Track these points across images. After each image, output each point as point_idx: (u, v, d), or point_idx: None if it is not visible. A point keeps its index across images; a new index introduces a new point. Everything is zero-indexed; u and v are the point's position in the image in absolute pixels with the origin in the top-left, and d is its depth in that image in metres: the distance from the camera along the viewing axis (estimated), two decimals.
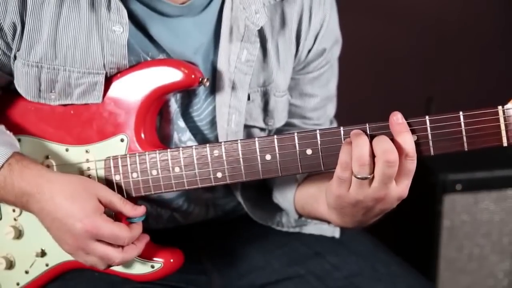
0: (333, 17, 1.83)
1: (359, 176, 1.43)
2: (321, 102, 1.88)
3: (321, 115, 1.90)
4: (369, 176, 1.43)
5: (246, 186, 1.87)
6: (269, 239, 1.90)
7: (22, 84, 1.64)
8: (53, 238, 1.61)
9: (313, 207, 1.70)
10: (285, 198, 1.83)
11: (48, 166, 1.67)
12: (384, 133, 1.44)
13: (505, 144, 1.40)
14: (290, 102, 1.85)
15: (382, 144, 1.41)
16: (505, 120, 1.39)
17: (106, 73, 1.61)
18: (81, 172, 1.65)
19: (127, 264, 1.65)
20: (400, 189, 1.46)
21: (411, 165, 1.44)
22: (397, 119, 1.43)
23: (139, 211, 1.59)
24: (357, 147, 1.42)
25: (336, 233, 1.90)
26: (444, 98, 2.24)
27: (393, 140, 1.42)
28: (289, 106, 1.86)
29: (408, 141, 1.42)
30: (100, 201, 1.56)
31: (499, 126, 1.39)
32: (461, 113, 1.41)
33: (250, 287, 1.81)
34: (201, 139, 1.75)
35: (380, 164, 1.41)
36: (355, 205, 1.49)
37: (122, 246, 1.57)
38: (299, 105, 1.87)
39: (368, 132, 1.45)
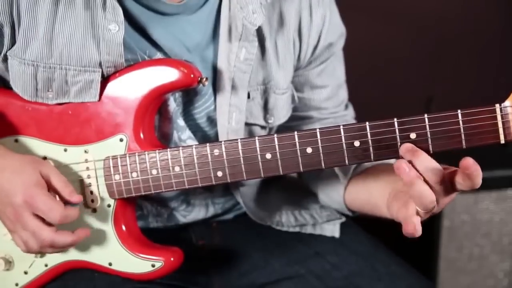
0: (334, 11, 1.85)
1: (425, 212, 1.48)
2: (333, 91, 1.90)
3: (335, 103, 1.92)
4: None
5: (245, 186, 1.87)
6: (269, 239, 1.90)
7: (19, 83, 1.64)
8: None
9: (374, 211, 1.70)
10: (332, 200, 1.86)
11: None
12: (382, 130, 1.44)
13: (502, 141, 1.40)
14: (303, 96, 1.87)
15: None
16: (502, 118, 1.39)
17: (103, 71, 1.61)
18: (80, 172, 1.65)
19: (127, 263, 1.65)
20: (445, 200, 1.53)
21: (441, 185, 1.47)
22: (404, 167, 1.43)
23: (75, 198, 1.59)
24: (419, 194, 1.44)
25: (336, 232, 1.90)
26: (444, 98, 2.24)
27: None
28: (304, 100, 1.87)
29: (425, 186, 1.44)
30: (43, 177, 1.58)
31: (496, 123, 1.40)
32: (459, 111, 1.41)
33: (250, 286, 1.81)
34: (201, 136, 1.76)
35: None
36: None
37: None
38: (312, 98, 1.89)
39: (367, 130, 1.45)
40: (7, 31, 1.60)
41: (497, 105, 1.40)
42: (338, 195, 1.83)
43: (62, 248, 1.61)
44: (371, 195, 1.69)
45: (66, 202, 1.59)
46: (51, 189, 1.59)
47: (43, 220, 1.56)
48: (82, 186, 1.66)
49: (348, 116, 1.95)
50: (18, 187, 1.55)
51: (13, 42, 1.61)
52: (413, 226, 1.46)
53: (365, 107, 2.02)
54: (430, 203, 1.44)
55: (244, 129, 1.76)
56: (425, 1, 3.17)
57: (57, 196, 1.59)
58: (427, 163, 1.41)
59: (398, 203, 1.53)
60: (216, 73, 1.70)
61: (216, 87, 1.71)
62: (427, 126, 1.43)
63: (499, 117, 1.40)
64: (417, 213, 1.47)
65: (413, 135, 1.43)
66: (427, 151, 1.44)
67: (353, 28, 1.98)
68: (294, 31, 1.77)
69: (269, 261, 1.85)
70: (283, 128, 1.85)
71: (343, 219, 1.91)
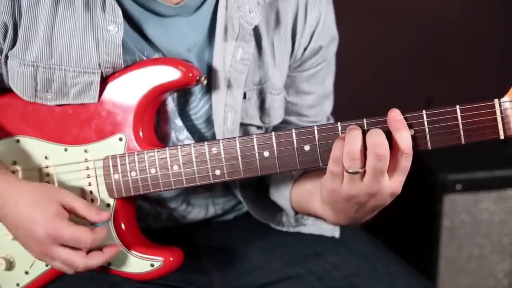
0: (329, 15, 1.83)
1: (350, 171, 1.43)
2: (317, 100, 1.88)
3: (317, 112, 1.90)
4: (360, 171, 1.42)
5: (246, 185, 1.87)
6: (269, 239, 1.89)
7: (19, 84, 1.64)
8: (21, 245, 1.62)
9: (308, 204, 1.71)
10: (281, 195, 1.84)
11: (46, 167, 1.67)
12: (381, 128, 1.43)
13: (502, 136, 1.40)
14: (286, 99, 1.85)
15: (373, 137, 1.41)
16: (501, 113, 1.39)
17: (102, 72, 1.62)
18: (80, 172, 1.65)
19: (126, 262, 1.65)
20: (394, 185, 1.46)
21: (407, 162, 1.43)
22: (395, 116, 1.43)
23: (103, 216, 1.60)
24: (349, 141, 1.42)
25: (336, 233, 1.90)
26: (444, 98, 2.23)
27: (389, 135, 1.42)
28: (286, 104, 1.86)
29: (405, 138, 1.42)
30: (64, 207, 1.57)
31: (495, 119, 1.39)
32: (457, 106, 1.41)
33: (250, 286, 1.80)
34: (199, 137, 1.75)
35: (371, 158, 1.41)
36: (348, 200, 1.49)
37: (88, 253, 1.58)
38: (295, 103, 1.87)
39: (365, 128, 1.45)
40: (10, 31, 1.60)
41: (496, 100, 1.40)
42: (286, 190, 1.82)
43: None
44: (310, 187, 1.70)
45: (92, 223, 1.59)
46: (75, 215, 1.59)
47: (72, 247, 1.56)
48: (81, 186, 1.66)
49: None
50: (39, 221, 1.54)
51: (14, 43, 1.61)
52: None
53: (365, 107, 2.03)
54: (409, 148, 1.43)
55: (240, 129, 1.76)
56: (425, 1, 3.17)
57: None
58: (376, 136, 1.42)
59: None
60: (211, 73, 1.70)
61: (211, 87, 1.71)
62: (426, 122, 1.42)
63: (498, 112, 1.39)
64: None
65: (411, 132, 1.43)
66: (426, 147, 1.44)
67: (353, 28, 1.98)
68: (289, 30, 1.77)
69: (269, 261, 1.85)
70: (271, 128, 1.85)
71: None
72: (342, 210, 1.55)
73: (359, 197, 1.48)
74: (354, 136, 1.42)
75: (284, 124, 1.87)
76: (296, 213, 1.85)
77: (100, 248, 1.61)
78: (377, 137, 1.41)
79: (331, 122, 1.49)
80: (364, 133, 1.43)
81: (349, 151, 1.42)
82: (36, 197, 1.58)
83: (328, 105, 1.93)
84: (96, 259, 1.59)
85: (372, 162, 1.41)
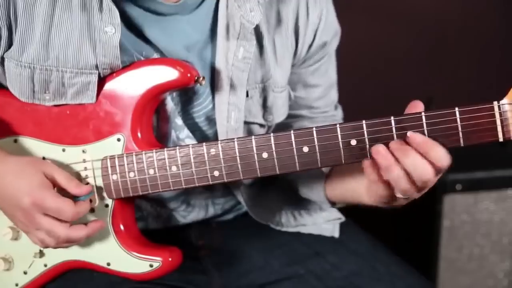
0: (330, 10, 1.85)
1: (404, 197, 1.48)
2: (324, 91, 1.91)
3: (326, 103, 1.92)
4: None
5: (246, 185, 1.87)
6: (268, 239, 1.90)
7: (16, 85, 1.64)
8: (9, 218, 1.65)
9: (355, 199, 1.71)
10: (314, 191, 1.85)
11: None
12: (380, 130, 1.44)
13: (501, 139, 1.39)
14: (295, 95, 1.87)
15: (415, 165, 1.43)
16: (500, 116, 1.38)
17: (99, 73, 1.61)
18: (78, 172, 1.65)
19: (125, 263, 1.65)
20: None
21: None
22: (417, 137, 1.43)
23: (83, 189, 1.61)
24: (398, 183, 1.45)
25: (335, 233, 1.90)
26: (444, 98, 2.23)
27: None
28: (295, 99, 1.87)
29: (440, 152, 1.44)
30: (46, 177, 1.58)
31: (495, 121, 1.39)
32: (456, 108, 1.40)
33: (250, 286, 1.81)
34: (200, 136, 1.75)
35: (419, 183, 1.45)
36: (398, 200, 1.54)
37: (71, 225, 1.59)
38: (304, 97, 1.89)
39: (364, 129, 1.45)
40: (4, 33, 1.59)
41: (495, 103, 1.39)
42: (319, 186, 1.82)
43: (78, 242, 1.63)
44: (351, 184, 1.70)
45: (75, 197, 1.60)
46: (57, 186, 1.60)
47: (55, 217, 1.57)
48: None
49: (337, 116, 1.96)
50: (24, 190, 1.56)
51: (9, 44, 1.61)
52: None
53: (365, 107, 2.03)
54: (407, 190, 1.46)
55: (243, 127, 1.76)
56: (425, 1, 3.17)
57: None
58: (416, 162, 1.43)
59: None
60: (214, 72, 1.70)
61: (214, 86, 1.71)
62: (424, 124, 1.42)
63: (497, 115, 1.39)
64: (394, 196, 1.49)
65: (410, 133, 1.43)
66: None
67: (353, 28, 1.98)
68: (291, 29, 1.77)
69: (269, 261, 1.85)
70: (275, 126, 1.85)
71: (343, 219, 1.92)
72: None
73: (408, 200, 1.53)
74: (400, 173, 1.44)
75: (295, 119, 1.89)
76: (334, 204, 1.87)
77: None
78: (417, 165, 1.43)
79: (330, 124, 1.48)
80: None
81: (403, 190, 1.45)
82: (21, 168, 1.59)
83: (334, 94, 1.95)
84: (79, 232, 1.59)
85: (421, 185, 1.46)
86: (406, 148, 1.43)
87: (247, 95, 1.74)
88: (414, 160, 1.42)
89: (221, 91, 1.71)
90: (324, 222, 1.90)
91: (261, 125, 1.82)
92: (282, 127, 1.83)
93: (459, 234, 2.67)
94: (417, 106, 1.45)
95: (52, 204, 1.55)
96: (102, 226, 1.63)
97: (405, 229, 2.86)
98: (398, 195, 1.47)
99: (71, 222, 1.58)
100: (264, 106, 1.80)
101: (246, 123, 1.77)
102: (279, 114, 1.83)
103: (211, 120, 1.75)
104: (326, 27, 1.82)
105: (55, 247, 1.62)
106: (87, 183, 1.64)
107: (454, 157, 2.67)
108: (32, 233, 1.60)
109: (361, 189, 1.62)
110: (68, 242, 1.61)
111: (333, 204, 1.86)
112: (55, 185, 1.60)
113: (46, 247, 1.63)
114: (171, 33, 1.66)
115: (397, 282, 1.77)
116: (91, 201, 1.64)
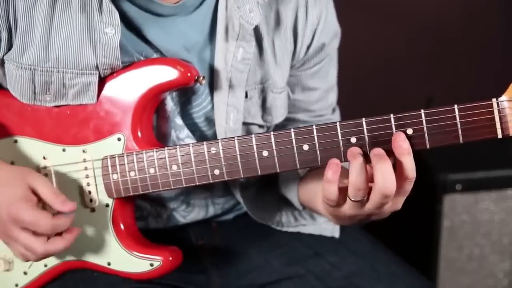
0: (330, 11, 1.84)
1: (353, 199, 1.45)
2: (322, 94, 1.90)
3: (323, 106, 1.92)
4: (363, 200, 1.45)
5: (245, 186, 1.87)
6: (268, 239, 1.89)
7: (17, 87, 1.64)
8: None
9: (312, 203, 1.72)
10: (290, 189, 1.85)
11: (45, 167, 1.67)
12: (381, 133, 1.45)
13: (499, 136, 1.40)
14: (293, 97, 1.86)
15: (384, 174, 1.41)
16: (499, 112, 1.39)
17: (100, 73, 1.61)
18: (78, 172, 1.65)
19: (125, 262, 1.65)
20: (395, 205, 1.49)
21: (409, 186, 1.45)
22: (399, 140, 1.42)
23: (67, 206, 1.58)
24: (354, 171, 1.42)
25: (335, 233, 1.90)
26: (444, 98, 2.23)
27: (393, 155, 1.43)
28: (293, 101, 1.87)
29: (409, 164, 1.42)
30: (32, 191, 1.58)
31: (493, 118, 1.39)
32: (455, 106, 1.41)
33: (250, 286, 1.81)
34: (199, 135, 1.76)
35: (376, 194, 1.43)
36: (350, 217, 1.53)
37: (48, 238, 1.57)
38: (302, 100, 1.88)
39: (364, 127, 1.45)
40: (3, 35, 1.59)
41: (494, 100, 1.40)
42: (294, 185, 1.83)
43: (57, 254, 1.62)
44: (315, 186, 1.70)
45: (59, 212, 1.58)
46: (42, 201, 1.59)
47: (33, 232, 1.56)
48: (80, 186, 1.66)
49: (334, 120, 1.94)
50: (4, 202, 1.55)
51: (9, 46, 1.61)
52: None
53: (365, 107, 2.03)
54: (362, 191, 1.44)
55: (242, 128, 1.76)
56: (425, 1, 3.17)
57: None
58: (387, 175, 1.41)
59: None
60: (213, 73, 1.70)
61: (213, 87, 1.71)
62: (424, 122, 1.42)
63: (496, 112, 1.39)
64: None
65: (409, 131, 1.43)
66: (424, 146, 1.44)
67: (353, 28, 1.98)
68: (290, 29, 1.77)
69: (269, 261, 1.85)
70: (274, 127, 1.85)
71: None
72: (344, 220, 1.58)
73: (360, 216, 1.51)
74: (358, 167, 1.42)
75: (290, 122, 1.88)
76: (304, 208, 1.86)
77: (60, 234, 1.59)
78: (386, 175, 1.40)
79: (330, 122, 1.48)
80: (366, 155, 1.44)
81: (354, 182, 1.43)
82: (9, 178, 1.59)
83: (332, 97, 1.95)
84: (56, 245, 1.57)
85: (378, 198, 1.43)
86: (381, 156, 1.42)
87: (246, 96, 1.75)
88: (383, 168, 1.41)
89: (220, 92, 1.71)
90: (324, 222, 1.90)
91: (260, 126, 1.82)
92: (279, 129, 1.83)
93: (459, 234, 2.67)
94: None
95: (27, 218, 1.53)
96: (78, 233, 1.61)
97: (405, 229, 2.86)
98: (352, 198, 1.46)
99: (49, 235, 1.57)
100: (263, 107, 1.80)
101: (245, 124, 1.78)
102: (278, 115, 1.83)
103: (210, 121, 1.75)
104: (325, 28, 1.82)
105: (35, 261, 1.62)
106: (88, 183, 1.64)
107: (454, 157, 2.68)
108: (12, 245, 1.60)
109: (318, 192, 1.60)
110: (47, 256, 1.60)
111: (303, 206, 1.86)
112: (40, 199, 1.59)
113: (27, 260, 1.62)
114: (170, 33, 1.66)
115: (397, 282, 1.77)
116: (90, 204, 1.64)
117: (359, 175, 1.42)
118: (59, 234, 1.59)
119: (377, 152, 1.42)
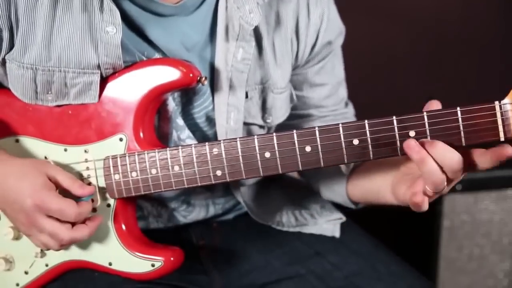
0: (332, 10, 1.85)
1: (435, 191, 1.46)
2: (332, 89, 1.91)
3: (335, 101, 1.93)
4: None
5: (246, 187, 1.88)
6: (269, 239, 1.89)
7: (19, 87, 1.64)
8: (10, 220, 1.64)
9: (378, 198, 1.71)
10: (336, 193, 1.87)
11: None
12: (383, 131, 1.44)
13: (502, 138, 1.39)
14: (303, 95, 1.87)
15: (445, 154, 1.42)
16: (502, 115, 1.39)
17: (101, 73, 1.61)
18: (80, 172, 1.65)
19: (127, 262, 1.65)
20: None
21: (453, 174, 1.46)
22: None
23: (86, 190, 1.60)
24: (428, 172, 1.43)
25: (336, 232, 1.90)
26: (444, 98, 2.23)
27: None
28: (304, 99, 1.88)
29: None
30: (49, 179, 1.58)
31: (496, 121, 1.39)
32: (458, 108, 1.41)
33: (251, 286, 1.81)
34: (200, 136, 1.76)
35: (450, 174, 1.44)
36: None
37: (73, 225, 1.58)
38: (312, 96, 1.89)
39: (366, 128, 1.46)
40: (5, 35, 1.59)
41: (497, 102, 1.39)
42: (340, 187, 1.84)
43: (81, 241, 1.63)
44: (374, 183, 1.70)
45: (78, 198, 1.59)
46: (60, 188, 1.60)
47: (57, 219, 1.56)
48: None
49: (349, 113, 1.95)
50: (26, 193, 1.55)
51: (11, 46, 1.61)
52: (421, 199, 1.47)
53: (365, 107, 2.03)
54: (441, 183, 1.44)
55: (242, 128, 1.76)
56: (425, 1, 3.17)
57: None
58: (445, 152, 1.42)
59: (405, 185, 1.54)
60: (213, 73, 1.70)
61: (214, 87, 1.71)
62: (426, 124, 1.42)
63: (498, 114, 1.39)
64: (425, 193, 1.46)
65: (412, 133, 1.43)
66: None
67: (353, 28, 1.98)
68: (291, 30, 1.77)
69: (270, 261, 1.85)
70: (282, 127, 1.85)
71: (344, 219, 1.92)
72: None
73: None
74: (431, 167, 1.43)
75: (304, 118, 1.90)
76: (357, 204, 1.88)
77: (84, 222, 1.61)
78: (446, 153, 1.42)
79: (332, 124, 1.48)
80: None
81: (434, 181, 1.44)
82: (24, 170, 1.59)
83: (342, 91, 1.95)
84: (82, 232, 1.59)
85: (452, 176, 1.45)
86: (433, 140, 1.42)
87: (247, 96, 1.75)
88: (443, 150, 1.41)
89: (220, 92, 1.71)
90: (325, 222, 1.90)
91: (261, 126, 1.82)
92: (291, 128, 1.83)
93: (459, 234, 2.66)
94: (433, 105, 1.45)
95: (54, 205, 1.55)
96: (101, 221, 1.63)
97: (405, 229, 2.85)
98: (428, 190, 1.46)
99: (73, 223, 1.59)
100: (263, 107, 1.80)
101: (246, 124, 1.78)
102: (278, 115, 1.83)
103: (211, 121, 1.75)
104: (329, 27, 1.82)
105: (57, 250, 1.62)
106: (89, 183, 1.64)
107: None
108: (35, 236, 1.60)
109: (385, 187, 1.63)
110: (71, 243, 1.62)
111: (356, 204, 1.87)
112: (57, 186, 1.60)
113: (48, 249, 1.63)
114: (171, 33, 1.67)
115: (397, 282, 1.77)
116: (92, 200, 1.64)
117: (435, 173, 1.43)
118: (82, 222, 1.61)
119: (424, 140, 1.43)
